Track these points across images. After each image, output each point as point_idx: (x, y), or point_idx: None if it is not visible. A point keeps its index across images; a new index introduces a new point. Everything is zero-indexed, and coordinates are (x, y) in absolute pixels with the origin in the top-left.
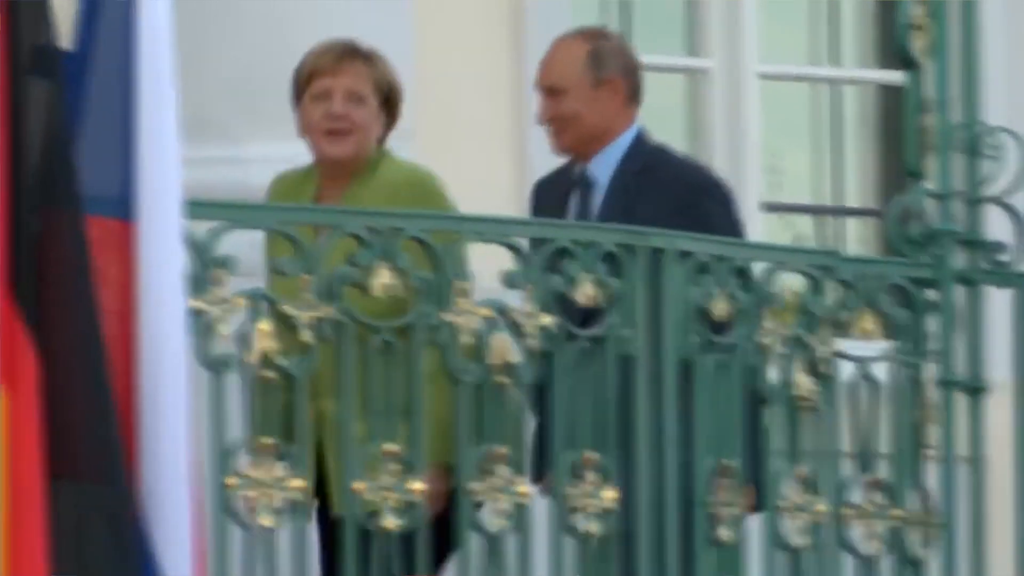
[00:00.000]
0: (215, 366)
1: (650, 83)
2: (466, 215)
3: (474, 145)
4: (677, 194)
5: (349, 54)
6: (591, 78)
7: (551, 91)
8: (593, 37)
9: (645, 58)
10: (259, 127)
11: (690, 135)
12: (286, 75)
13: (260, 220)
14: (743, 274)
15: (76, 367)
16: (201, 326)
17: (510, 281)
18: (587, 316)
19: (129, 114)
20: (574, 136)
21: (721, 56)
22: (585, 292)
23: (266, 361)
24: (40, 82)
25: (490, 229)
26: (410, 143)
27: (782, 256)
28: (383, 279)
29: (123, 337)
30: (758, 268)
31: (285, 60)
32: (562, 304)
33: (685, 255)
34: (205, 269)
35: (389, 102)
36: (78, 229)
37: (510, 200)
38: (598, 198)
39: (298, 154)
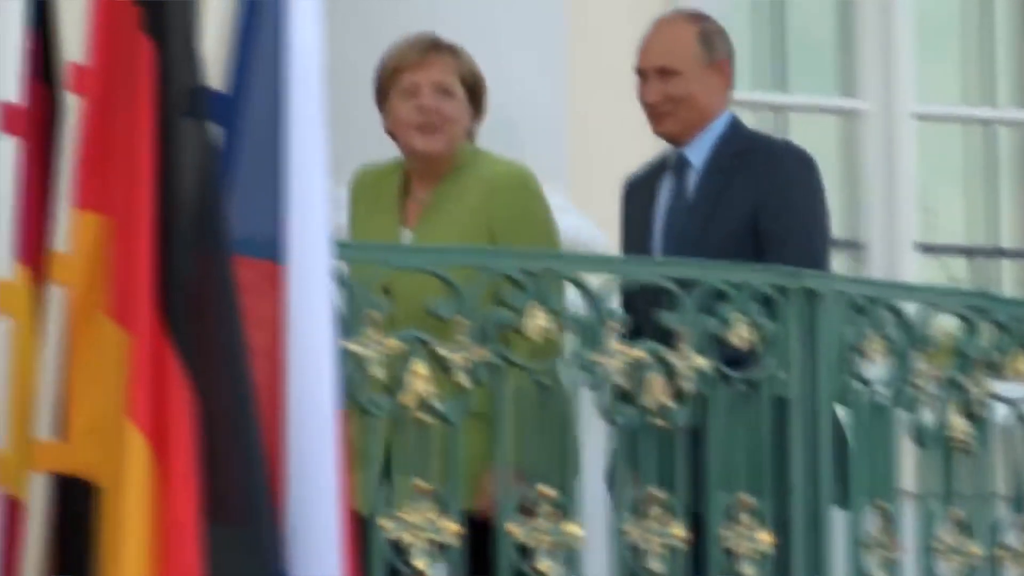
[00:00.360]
0: (369, 408)
1: (804, 124)
2: (620, 257)
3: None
4: (770, 169)
5: (434, 47)
6: (704, 58)
7: (662, 72)
8: (698, 19)
9: (799, 98)
10: None
11: (844, 176)
12: None
13: (414, 260)
14: (897, 315)
15: (224, 408)
16: (355, 368)
17: (663, 323)
18: (735, 358)
19: (279, 155)
20: (683, 119)
21: (875, 97)
22: (740, 334)
23: (421, 404)
24: (192, 124)
25: (644, 271)
26: (559, 183)
27: (936, 297)
28: (538, 321)
29: (272, 379)
30: (912, 309)
31: None
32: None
33: (839, 295)
34: (359, 311)
35: (475, 94)
36: (227, 271)
37: None
38: (692, 180)
39: None
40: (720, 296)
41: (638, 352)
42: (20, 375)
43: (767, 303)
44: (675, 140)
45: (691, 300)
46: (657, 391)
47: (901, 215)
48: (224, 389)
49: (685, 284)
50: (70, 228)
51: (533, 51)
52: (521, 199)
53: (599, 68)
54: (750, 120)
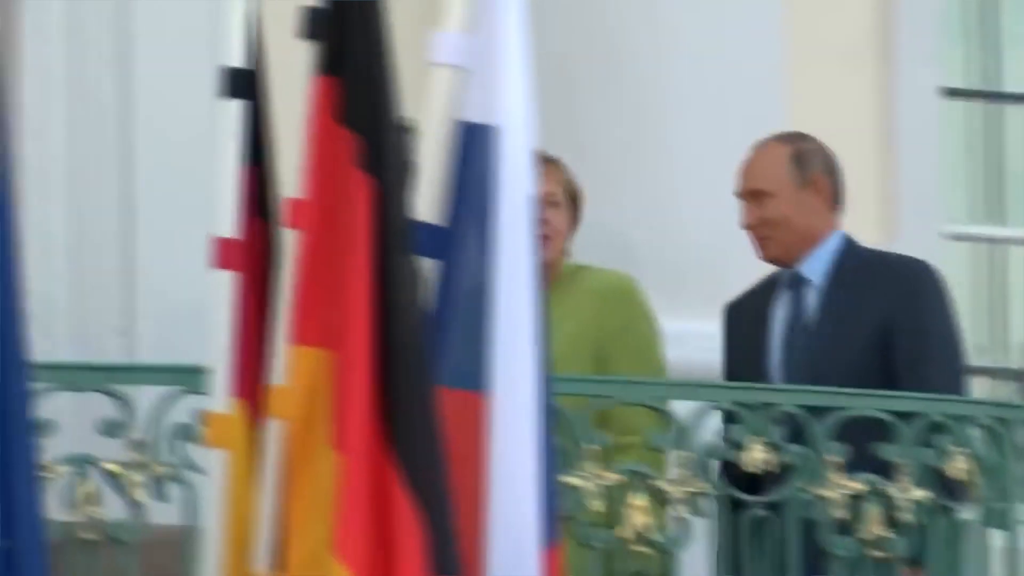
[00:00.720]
0: (585, 539)
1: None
2: (841, 390)
3: None
4: (893, 282)
5: (541, 158)
6: (796, 179)
7: (755, 195)
8: (792, 139)
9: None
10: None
11: None
12: (676, 243)
13: (634, 394)
14: None
15: (431, 538)
16: (574, 501)
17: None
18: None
19: (487, 287)
20: (782, 241)
21: None
22: (957, 466)
23: (639, 536)
24: (409, 259)
25: (864, 403)
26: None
27: None
28: (757, 454)
29: (474, 510)
30: None
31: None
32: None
33: None
34: (577, 445)
35: (575, 204)
36: (435, 402)
37: None
38: (812, 297)
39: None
40: (937, 428)
41: (857, 484)
42: (237, 507)
43: (988, 432)
44: (783, 263)
45: (909, 431)
46: (874, 522)
47: None
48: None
49: (903, 416)
50: (288, 362)
51: None
52: (630, 308)
53: None
54: (967, 254)
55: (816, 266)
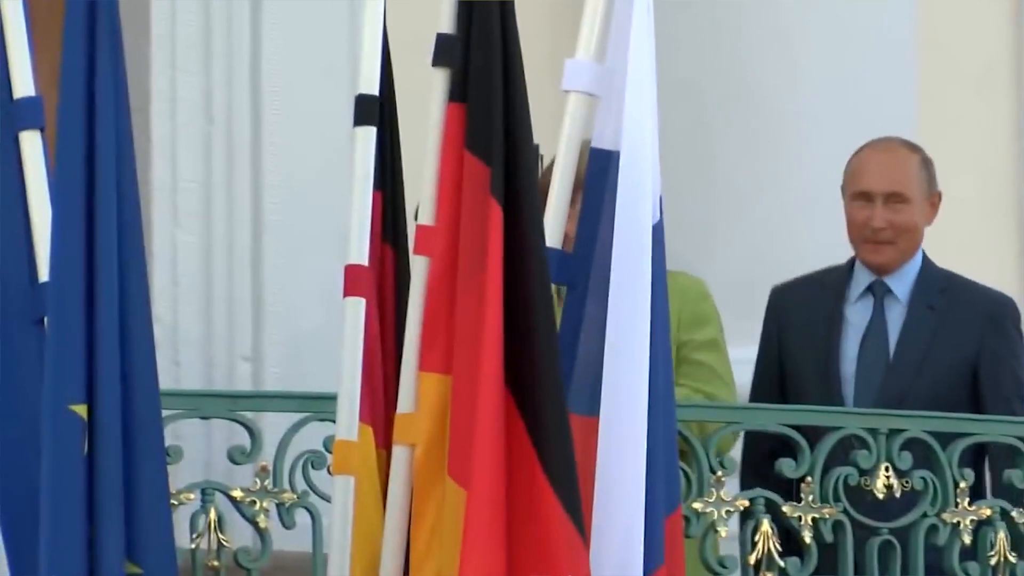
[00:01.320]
0: (715, 567)
1: None
2: (968, 416)
3: None
4: (985, 312)
5: None
6: (925, 189)
7: (892, 198)
8: (916, 147)
9: None
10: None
11: None
12: (806, 271)
13: (760, 419)
14: None
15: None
16: (702, 528)
17: (1010, 482)
18: None
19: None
20: (902, 249)
21: None
22: None
23: (769, 562)
24: (542, 285)
25: (992, 429)
26: None
27: None
28: (884, 480)
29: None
30: None
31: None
32: None
33: None
34: (703, 472)
35: None
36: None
37: None
38: (897, 311)
39: None
40: None
41: (985, 510)
42: (364, 533)
43: None
44: (883, 269)
45: None
46: (1000, 547)
47: None
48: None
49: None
50: (416, 389)
51: None
52: (703, 302)
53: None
54: None
55: (903, 281)
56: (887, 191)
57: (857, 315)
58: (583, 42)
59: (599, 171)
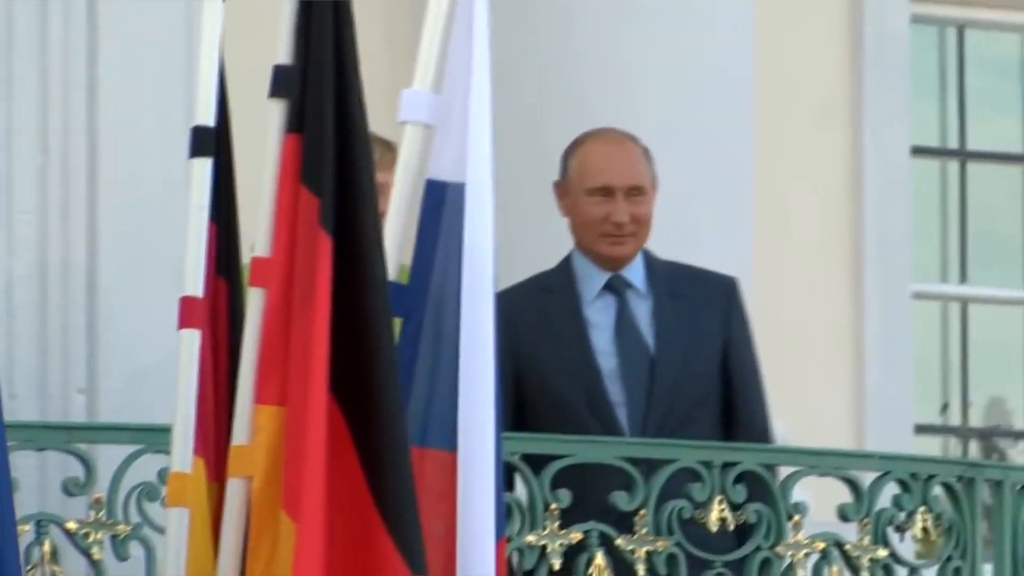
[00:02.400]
0: None
1: (988, 316)
2: (802, 448)
3: (811, 382)
4: (724, 295)
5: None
6: (653, 180)
7: (634, 191)
8: (634, 137)
9: (983, 291)
10: None
11: None
12: None
13: (593, 452)
14: None
15: None
16: (534, 560)
17: (844, 514)
18: None
19: (451, 344)
20: (642, 240)
21: None
22: (921, 525)
23: None
24: (376, 316)
25: (826, 462)
26: None
27: None
28: (718, 513)
29: (446, 567)
30: None
31: None
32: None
33: (1021, 485)
34: (537, 504)
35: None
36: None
37: (848, 431)
38: (641, 303)
39: None
40: (902, 486)
41: (819, 543)
42: (197, 566)
43: (950, 493)
44: (618, 264)
45: (872, 490)
46: None
47: None
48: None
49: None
50: (251, 421)
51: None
52: None
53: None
54: (935, 312)
55: (636, 273)
56: (628, 185)
57: (599, 313)
58: (420, 73)
59: (435, 202)
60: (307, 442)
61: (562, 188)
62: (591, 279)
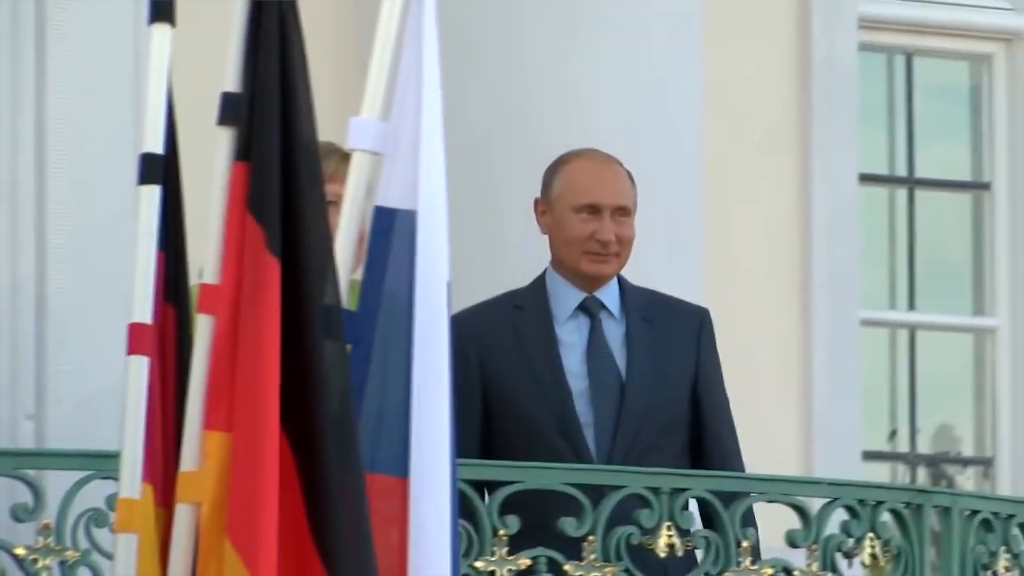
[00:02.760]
0: None
1: (936, 343)
2: (751, 475)
3: (760, 408)
4: (696, 325)
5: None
6: (635, 201)
7: (619, 211)
8: (618, 160)
9: (931, 318)
10: None
11: (976, 393)
12: None
13: (544, 479)
14: None
15: None
16: None
17: (793, 541)
18: None
19: (402, 371)
20: (623, 261)
21: (1007, 315)
22: (869, 551)
23: None
24: (330, 344)
25: (775, 489)
26: None
27: None
28: (666, 539)
29: None
30: None
31: None
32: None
33: (973, 514)
34: (485, 530)
35: None
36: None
37: (797, 457)
38: (614, 326)
39: None
40: (850, 512)
41: (767, 568)
42: None
43: (898, 519)
44: (597, 283)
45: (821, 517)
46: None
47: None
48: None
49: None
50: (200, 447)
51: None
52: None
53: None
54: (884, 339)
55: (612, 294)
56: (615, 204)
57: (572, 334)
58: (368, 100)
59: (384, 229)
60: (256, 471)
61: (543, 205)
62: (565, 298)
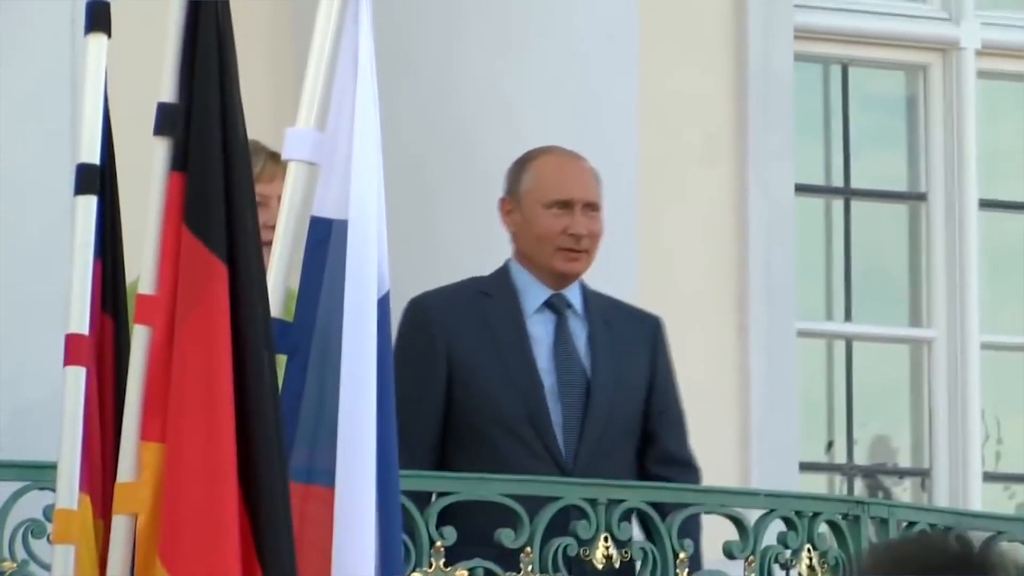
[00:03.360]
0: None
1: (873, 353)
2: (688, 487)
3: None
4: (651, 331)
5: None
6: (601, 197)
7: (589, 207)
8: (583, 156)
9: (867, 329)
10: None
11: (913, 404)
12: None
13: (480, 490)
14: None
15: None
16: None
17: (730, 552)
18: None
19: (333, 381)
20: (592, 258)
21: (945, 326)
22: (806, 563)
23: None
24: (266, 355)
25: (712, 500)
26: None
27: (1004, 525)
28: (603, 551)
29: None
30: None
31: None
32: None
33: (910, 525)
34: (422, 541)
35: None
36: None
37: (734, 468)
38: (578, 326)
39: None
40: (787, 523)
41: None
42: None
43: (836, 530)
44: (568, 280)
45: (759, 529)
46: None
47: (970, 444)
48: None
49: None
50: (137, 458)
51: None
52: None
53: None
54: (821, 350)
55: (576, 294)
56: (586, 199)
57: (539, 328)
58: (304, 110)
59: (320, 239)
60: (204, 483)
61: (510, 204)
62: (532, 293)
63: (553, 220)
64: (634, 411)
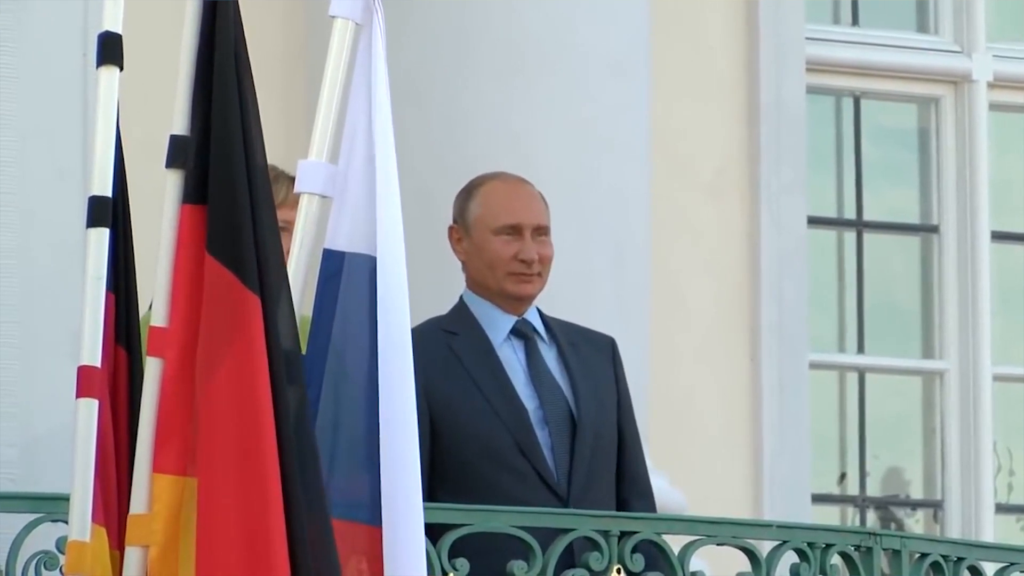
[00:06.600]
0: None
1: (885, 385)
2: (700, 517)
3: (708, 451)
4: (609, 352)
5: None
6: (550, 220)
7: (539, 231)
8: (528, 181)
9: (879, 361)
10: None
11: (925, 436)
12: None
13: (493, 521)
14: (976, 574)
15: None
16: None
17: None
18: None
19: (368, 415)
20: (545, 281)
21: (957, 358)
22: None
23: None
24: (291, 389)
25: (724, 532)
26: (645, 447)
27: (1016, 556)
28: None
29: None
30: (991, 569)
31: None
32: None
33: (922, 557)
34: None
35: None
36: (328, 533)
37: (746, 500)
38: (546, 350)
39: None
40: (800, 555)
41: None
42: None
43: (847, 561)
44: (523, 304)
45: (773, 559)
46: None
47: (982, 475)
48: None
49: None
50: (149, 490)
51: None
52: None
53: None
54: (833, 382)
55: (535, 318)
56: (535, 223)
57: (510, 355)
58: (316, 143)
59: (333, 272)
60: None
61: (459, 232)
62: (496, 322)
63: (503, 246)
64: (613, 431)
